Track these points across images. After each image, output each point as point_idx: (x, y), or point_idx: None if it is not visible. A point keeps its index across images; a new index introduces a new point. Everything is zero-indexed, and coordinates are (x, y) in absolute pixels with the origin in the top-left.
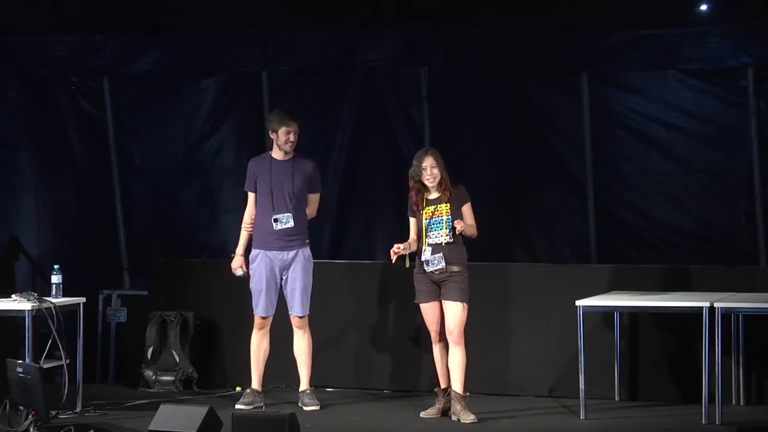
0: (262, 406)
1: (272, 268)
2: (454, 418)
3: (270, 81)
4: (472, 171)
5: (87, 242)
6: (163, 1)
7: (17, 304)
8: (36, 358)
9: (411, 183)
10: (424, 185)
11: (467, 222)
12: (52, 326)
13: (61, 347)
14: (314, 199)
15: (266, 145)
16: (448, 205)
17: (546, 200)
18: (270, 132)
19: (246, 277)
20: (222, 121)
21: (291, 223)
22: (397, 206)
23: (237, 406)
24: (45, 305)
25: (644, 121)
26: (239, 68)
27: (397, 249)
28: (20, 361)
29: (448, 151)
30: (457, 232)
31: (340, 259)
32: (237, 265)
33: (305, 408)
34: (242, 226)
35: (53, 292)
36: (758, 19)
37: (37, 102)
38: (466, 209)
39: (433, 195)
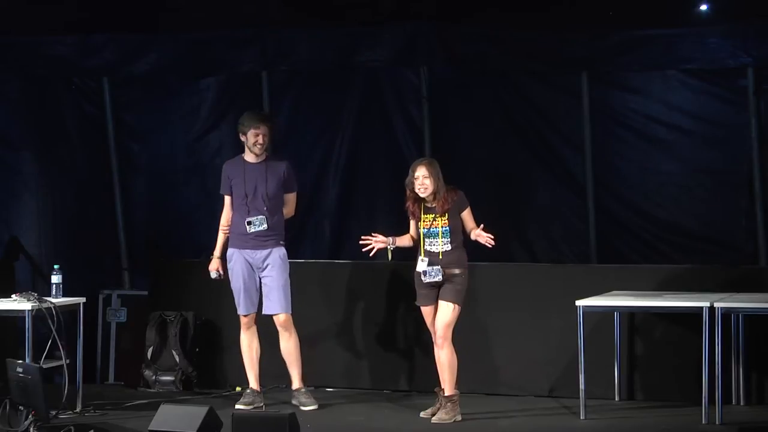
0: (262, 406)
1: (248, 268)
2: (434, 419)
3: (270, 81)
4: (472, 171)
5: (87, 242)
6: (163, 1)
7: (17, 304)
8: (36, 358)
9: (407, 192)
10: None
11: (469, 226)
12: (52, 326)
13: (61, 347)
14: (291, 198)
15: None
16: (445, 216)
17: (546, 200)
18: (240, 135)
19: (221, 279)
20: (222, 121)
21: (264, 226)
22: (398, 206)
23: (237, 407)
24: (45, 305)
25: (644, 121)
26: (239, 68)
27: (367, 240)
28: (20, 361)
29: (447, 152)
30: (481, 239)
31: (340, 259)
32: (213, 267)
33: (303, 408)
34: (219, 228)
35: (53, 292)
36: (758, 18)
37: (37, 102)
38: (466, 215)
39: (431, 204)
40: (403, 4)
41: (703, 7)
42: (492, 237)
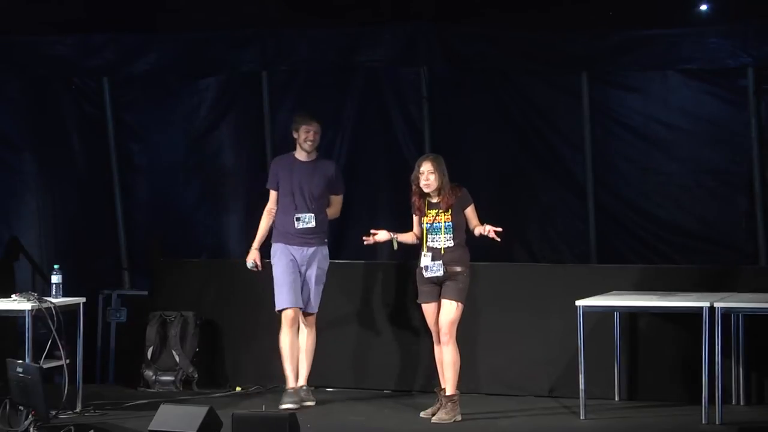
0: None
1: (294, 261)
2: (434, 419)
3: (270, 81)
4: (472, 171)
5: (87, 242)
6: (162, 1)
7: (17, 304)
8: (36, 358)
9: (413, 187)
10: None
11: (472, 223)
12: (52, 326)
13: (61, 347)
14: (337, 200)
15: (266, 145)
16: (449, 212)
17: (546, 200)
18: (293, 132)
19: (257, 270)
20: (222, 121)
21: (312, 223)
22: (398, 206)
23: (284, 407)
24: (45, 305)
25: (644, 121)
26: (239, 68)
27: (372, 236)
28: (20, 361)
29: (448, 152)
30: (486, 233)
31: (340, 259)
32: (251, 257)
33: (301, 402)
34: (261, 222)
35: (53, 292)
36: (758, 18)
37: (37, 102)
38: (470, 212)
39: (435, 199)
40: (403, 4)
41: (703, 7)
42: (500, 230)
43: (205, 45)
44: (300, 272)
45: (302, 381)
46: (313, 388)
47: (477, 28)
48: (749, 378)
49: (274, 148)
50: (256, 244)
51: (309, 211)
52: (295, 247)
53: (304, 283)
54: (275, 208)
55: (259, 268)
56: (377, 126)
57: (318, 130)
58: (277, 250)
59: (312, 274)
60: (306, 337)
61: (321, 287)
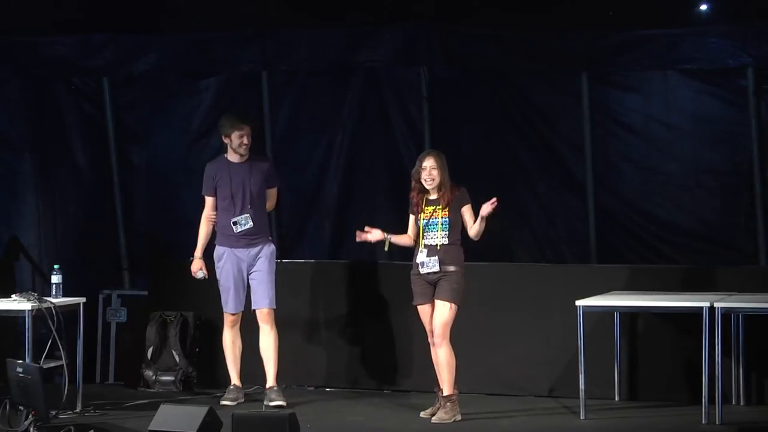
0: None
1: (239, 266)
2: (434, 419)
3: (270, 81)
4: (471, 171)
5: (87, 242)
6: (163, 1)
7: (17, 304)
8: (36, 358)
9: (413, 183)
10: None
11: (469, 224)
12: (52, 326)
13: (61, 347)
14: (272, 193)
15: (265, 146)
16: (447, 209)
17: (546, 200)
18: (223, 137)
19: (206, 279)
20: None
21: (250, 224)
22: (397, 206)
23: (222, 402)
24: (45, 305)
25: (644, 121)
26: (239, 68)
27: (366, 233)
28: (20, 361)
29: (447, 151)
30: (486, 213)
31: (340, 259)
32: (196, 267)
33: (271, 403)
34: (200, 229)
35: (53, 292)
36: (758, 19)
37: (37, 102)
38: (467, 210)
39: (434, 196)
40: (403, 5)
41: (703, 7)
42: (494, 202)
43: (205, 45)
44: (246, 275)
45: (271, 382)
46: (280, 386)
47: (477, 28)
48: (749, 378)
49: (274, 148)
50: (198, 252)
51: (246, 213)
52: (240, 249)
53: (252, 282)
54: (213, 214)
55: (206, 276)
56: (377, 126)
57: (250, 132)
58: (223, 254)
59: (261, 270)
60: (266, 338)
61: (272, 283)
